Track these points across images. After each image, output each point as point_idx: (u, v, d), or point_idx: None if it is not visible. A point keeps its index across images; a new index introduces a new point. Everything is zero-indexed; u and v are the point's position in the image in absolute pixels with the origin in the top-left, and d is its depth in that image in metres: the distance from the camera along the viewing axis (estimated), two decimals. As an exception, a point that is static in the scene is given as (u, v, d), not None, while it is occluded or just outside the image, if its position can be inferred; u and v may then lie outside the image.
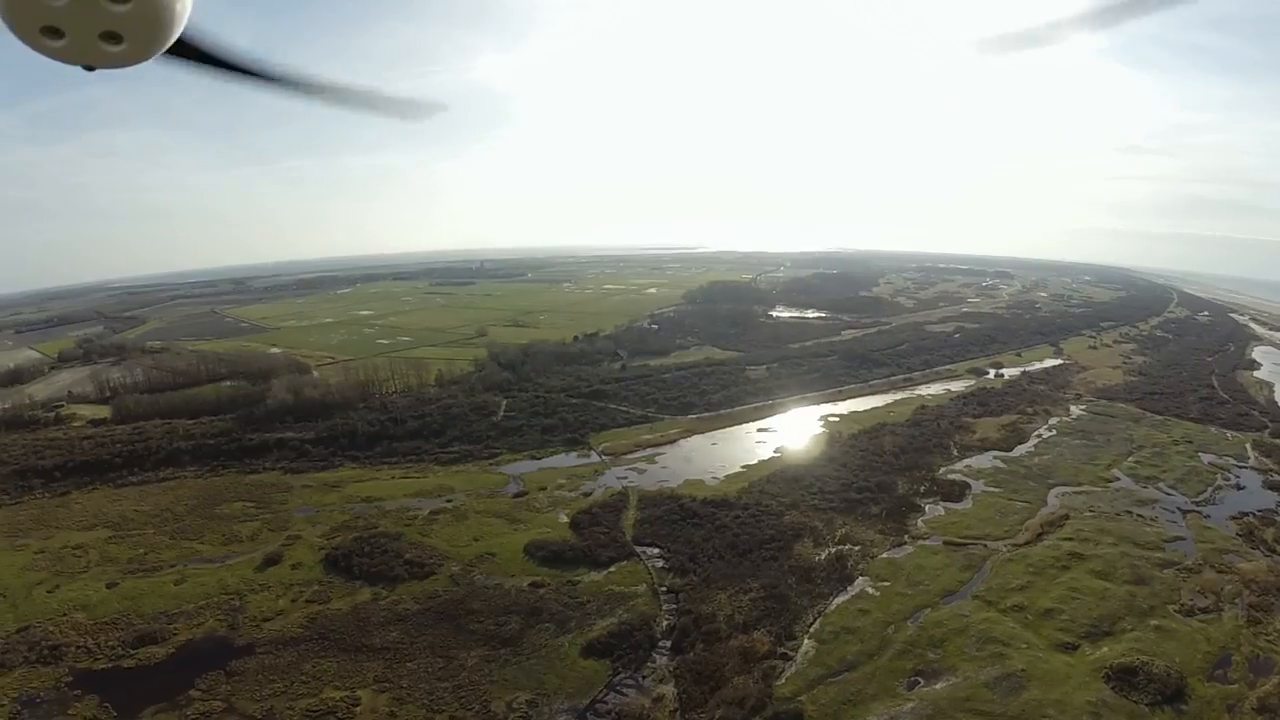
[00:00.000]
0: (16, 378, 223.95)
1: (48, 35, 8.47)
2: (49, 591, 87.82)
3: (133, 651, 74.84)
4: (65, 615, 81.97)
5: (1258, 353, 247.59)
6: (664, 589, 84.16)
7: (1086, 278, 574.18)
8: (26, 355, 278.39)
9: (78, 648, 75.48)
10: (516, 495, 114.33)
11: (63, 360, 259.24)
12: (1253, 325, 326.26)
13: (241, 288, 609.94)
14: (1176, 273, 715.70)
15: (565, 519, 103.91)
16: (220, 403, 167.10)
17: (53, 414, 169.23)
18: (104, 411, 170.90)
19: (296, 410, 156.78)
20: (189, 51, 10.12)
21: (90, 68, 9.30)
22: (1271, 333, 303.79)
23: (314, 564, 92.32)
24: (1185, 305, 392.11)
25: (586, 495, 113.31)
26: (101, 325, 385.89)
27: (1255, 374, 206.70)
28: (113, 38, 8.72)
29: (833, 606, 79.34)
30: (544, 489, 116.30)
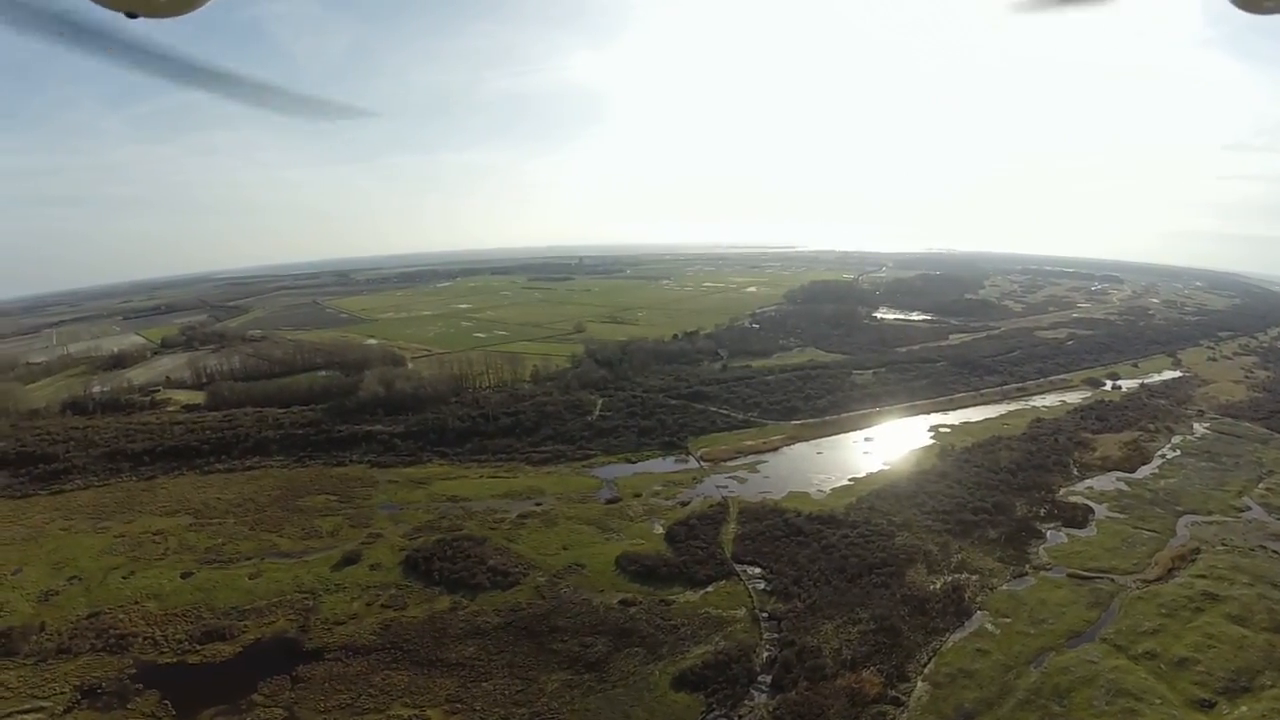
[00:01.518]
0: (119, 362, 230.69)
1: None
2: (124, 577, 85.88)
3: (199, 647, 71.61)
4: (137, 603, 79.64)
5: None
6: (765, 615, 76.27)
7: (1198, 283, 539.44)
8: (131, 340, 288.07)
9: (145, 638, 72.76)
10: (609, 501, 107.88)
11: (166, 346, 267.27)
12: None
13: (343, 280, 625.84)
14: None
15: (660, 530, 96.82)
16: (313, 393, 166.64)
17: (149, 398, 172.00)
18: (199, 397, 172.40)
19: (388, 403, 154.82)
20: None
21: (133, 15, 10.00)
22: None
23: (393, 566, 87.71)
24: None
25: (684, 504, 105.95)
26: (206, 313, 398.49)
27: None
28: None
29: (949, 644, 70.97)
30: (638, 495, 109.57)
